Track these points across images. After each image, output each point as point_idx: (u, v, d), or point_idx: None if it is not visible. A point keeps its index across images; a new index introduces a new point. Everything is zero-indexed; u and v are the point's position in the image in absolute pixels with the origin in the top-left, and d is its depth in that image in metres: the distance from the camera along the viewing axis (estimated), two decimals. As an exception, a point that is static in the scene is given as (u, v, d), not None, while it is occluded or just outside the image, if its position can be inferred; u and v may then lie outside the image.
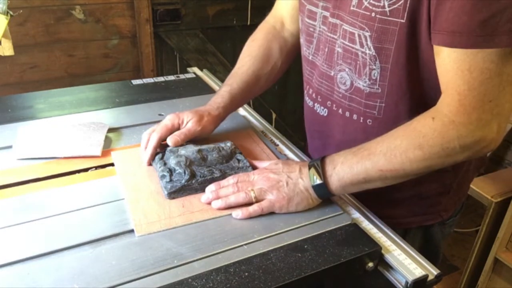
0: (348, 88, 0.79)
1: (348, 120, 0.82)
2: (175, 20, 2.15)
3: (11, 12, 1.30)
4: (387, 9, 0.68)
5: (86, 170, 0.83)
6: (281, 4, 1.01)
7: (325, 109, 0.87)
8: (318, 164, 0.72)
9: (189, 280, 0.59)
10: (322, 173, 0.71)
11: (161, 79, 1.27)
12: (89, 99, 1.12)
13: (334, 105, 0.84)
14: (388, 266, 0.68)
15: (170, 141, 0.80)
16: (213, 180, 0.78)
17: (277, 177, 0.74)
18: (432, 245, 0.92)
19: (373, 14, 0.70)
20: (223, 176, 0.79)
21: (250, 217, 0.71)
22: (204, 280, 0.59)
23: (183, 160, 0.79)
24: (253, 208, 0.71)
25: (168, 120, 0.84)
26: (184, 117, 0.84)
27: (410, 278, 0.64)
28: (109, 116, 1.03)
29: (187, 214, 0.72)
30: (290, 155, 0.93)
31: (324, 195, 0.73)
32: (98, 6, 1.94)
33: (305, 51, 0.90)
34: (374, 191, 0.74)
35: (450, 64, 0.64)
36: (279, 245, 0.66)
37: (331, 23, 0.79)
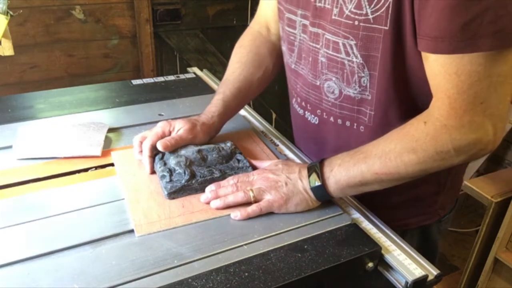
0: (337, 97, 0.78)
1: (340, 127, 0.81)
2: (175, 20, 2.15)
3: (11, 12, 1.31)
4: (370, 16, 0.67)
5: (86, 170, 0.83)
6: (264, 10, 0.99)
7: (316, 118, 0.85)
8: (317, 166, 0.72)
9: (189, 280, 0.59)
10: (321, 175, 0.71)
11: (161, 79, 1.27)
12: (89, 99, 1.12)
13: (325, 114, 0.83)
14: (388, 266, 0.68)
15: (159, 145, 0.79)
16: (213, 180, 0.78)
17: (276, 177, 0.74)
18: (430, 244, 0.92)
19: (356, 22, 0.69)
20: (223, 176, 0.79)
21: (249, 218, 0.71)
22: (204, 280, 0.59)
23: (183, 160, 0.79)
24: (252, 209, 0.71)
25: (160, 128, 0.83)
26: (176, 124, 0.83)
27: (410, 278, 0.64)
28: (109, 116, 1.03)
29: (187, 214, 0.72)
30: (290, 155, 0.93)
31: (323, 197, 0.73)
32: (98, 6, 1.94)
33: (288, 59, 0.89)
34: (371, 196, 0.74)
35: (438, 68, 0.63)
36: (279, 245, 0.66)
37: (312, 33, 0.78)
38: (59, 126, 0.95)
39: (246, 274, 0.61)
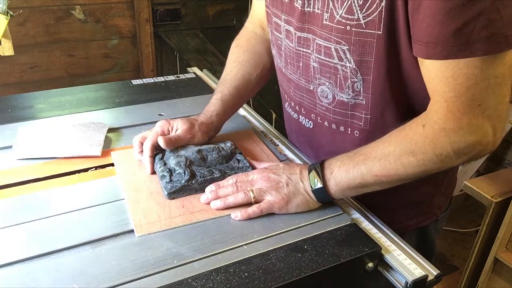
0: (330, 102, 0.78)
1: (335, 132, 0.81)
2: (175, 20, 2.15)
3: (11, 12, 1.31)
4: (362, 21, 0.66)
5: (86, 170, 0.83)
6: (257, 9, 0.99)
7: (310, 122, 0.85)
8: (318, 167, 0.72)
9: (189, 280, 0.59)
10: (322, 177, 0.71)
11: (161, 79, 1.27)
12: (89, 99, 1.12)
13: (319, 118, 0.82)
14: (388, 267, 0.68)
15: (161, 140, 0.79)
16: (213, 180, 0.78)
17: (277, 177, 0.74)
18: (427, 244, 0.92)
19: (348, 28, 0.68)
20: (223, 176, 0.79)
21: (249, 218, 0.71)
22: (204, 280, 0.59)
23: (183, 160, 0.79)
24: (252, 210, 0.71)
25: (159, 127, 0.83)
26: (175, 124, 0.83)
27: (410, 279, 0.64)
28: (109, 116, 1.03)
29: (187, 214, 0.72)
30: (290, 155, 0.93)
31: (324, 199, 0.73)
32: (98, 6, 1.94)
33: (278, 63, 0.89)
34: (370, 199, 0.74)
35: (434, 71, 0.63)
36: (279, 245, 0.66)
37: (302, 38, 0.77)
38: (59, 126, 0.95)
39: (246, 274, 0.61)
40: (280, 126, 1.06)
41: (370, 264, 0.67)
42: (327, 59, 0.74)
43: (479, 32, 0.57)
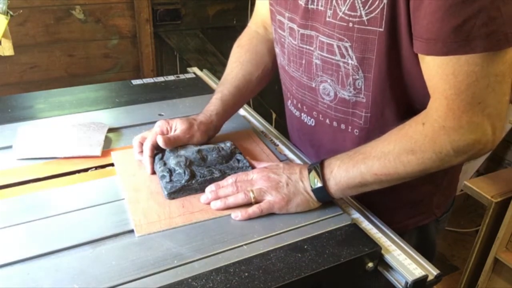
0: (332, 99, 0.78)
1: (336, 130, 0.81)
2: (175, 20, 2.15)
3: (11, 12, 1.31)
4: (364, 18, 0.67)
5: (86, 170, 0.83)
6: (260, 9, 0.99)
7: (312, 119, 0.85)
8: (318, 167, 0.72)
9: (189, 280, 0.59)
10: (322, 177, 0.71)
11: (161, 79, 1.27)
12: (89, 99, 1.12)
13: (321, 115, 0.83)
14: (388, 267, 0.68)
15: (160, 140, 0.79)
16: (213, 180, 0.78)
17: (277, 177, 0.74)
18: (427, 243, 0.92)
19: (350, 24, 0.68)
20: (223, 176, 0.79)
21: (250, 219, 0.71)
22: (204, 280, 0.59)
23: (183, 160, 0.79)
24: (252, 210, 0.71)
25: (158, 127, 0.83)
26: (174, 124, 0.84)
27: (410, 279, 0.64)
28: (109, 116, 1.03)
29: (187, 214, 0.72)
30: (290, 155, 0.93)
31: (324, 199, 0.73)
32: (98, 6, 1.94)
33: (281, 61, 0.89)
34: (369, 198, 0.74)
35: (435, 69, 0.63)
36: (279, 245, 0.66)
37: (305, 35, 0.77)
38: (59, 126, 0.95)
39: (246, 274, 0.61)
40: (280, 126, 1.06)
41: (370, 264, 0.67)
42: (330, 56, 0.74)
43: (479, 29, 0.57)
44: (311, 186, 0.72)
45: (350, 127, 0.79)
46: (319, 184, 0.71)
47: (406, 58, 0.68)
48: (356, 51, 0.70)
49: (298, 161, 0.90)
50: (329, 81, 0.77)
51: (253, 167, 0.82)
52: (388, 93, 0.72)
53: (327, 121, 0.82)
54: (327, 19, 0.71)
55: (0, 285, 0.57)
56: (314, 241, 0.68)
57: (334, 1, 0.70)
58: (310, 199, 0.73)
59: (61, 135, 0.91)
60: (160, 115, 1.04)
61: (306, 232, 0.69)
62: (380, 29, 0.66)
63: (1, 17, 1.28)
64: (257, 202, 0.73)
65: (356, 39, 0.69)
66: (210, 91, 1.19)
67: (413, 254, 0.68)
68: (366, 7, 0.66)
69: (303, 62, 0.80)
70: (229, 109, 0.91)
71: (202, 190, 0.77)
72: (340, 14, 0.69)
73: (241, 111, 1.10)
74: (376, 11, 0.65)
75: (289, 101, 0.92)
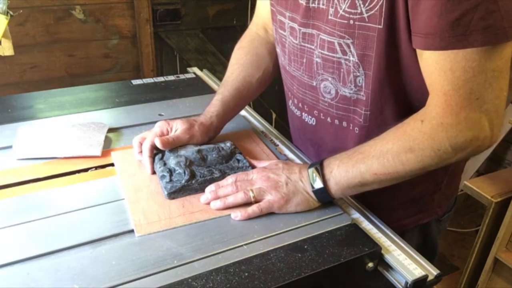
0: (333, 97, 0.78)
1: (338, 128, 0.81)
2: (175, 20, 2.15)
3: (11, 12, 1.31)
4: (365, 15, 0.67)
5: (86, 170, 0.83)
6: (261, 11, 1.00)
7: (313, 118, 0.85)
8: (318, 168, 0.72)
9: (189, 280, 0.59)
10: (322, 177, 0.71)
11: (161, 79, 1.27)
12: (89, 99, 1.12)
13: (322, 114, 0.83)
14: (388, 266, 0.68)
15: (158, 142, 0.79)
16: (212, 180, 0.78)
17: (277, 177, 0.74)
18: (429, 243, 0.92)
19: (351, 22, 0.69)
20: (223, 176, 0.79)
21: (249, 218, 0.71)
22: (204, 280, 0.59)
23: (183, 160, 0.79)
24: (252, 209, 0.71)
25: (158, 128, 0.83)
26: (174, 124, 0.84)
27: (410, 279, 0.64)
28: (109, 116, 1.03)
29: (187, 214, 0.72)
30: (290, 155, 0.93)
31: (324, 199, 0.73)
32: (98, 6, 1.95)
33: (282, 61, 0.89)
34: (369, 197, 0.74)
35: (433, 65, 0.63)
36: (279, 245, 0.66)
37: (306, 34, 0.77)
38: (59, 126, 0.95)
39: (246, 274, 0.61)
40: (280, 126, 1.06)
41: (370, 264, 0.67)
42: (331, 54, 0.74)
43: (476, 23, 0.57)
44: (312, 186, 0.72)
45: (351, 125, 0.79)
46: (320, 185, 0.71)
47: (405, 56, 0.68)
48: (357, 48, 0.70)
49: (298, 161, 0.90)
50: (330, 79, 0.77)
51: (253, 167, 0.82)
52: (387, 91, 0.73)
53: (328, 119, 0.82)
54: (329, 17, 0.72)
55: (0, 285, 0.57)
56: (314, 241, 0.68)
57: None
58: (310, 199, 0.73)
59: (61, 135, 0.91)
60: (160, 115, 1.04)
61: (306, 232, 0.69)
62: (379, 26, 0.66)
63: (1, 17, 1.28)
64: (256, 201, 0.73)
65: (358, 35, 0.69)
66: (210, 91, 1.19)
67: (413, 254, 0.68)
68: (366, 4, 0.66)
69: (304, 61, 0.80)
70: (229, 111, 0.91)
71: (202, 190, 0.77)
72: (341, 11, 0.69)
73: (241, 111, 1.09)
74: (376, 8, 0.66)
75: (290, 101, 0.92)
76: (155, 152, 0.82)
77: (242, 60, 0.96)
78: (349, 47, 0.71)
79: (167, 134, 0.83)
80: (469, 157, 0.68)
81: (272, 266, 0.62)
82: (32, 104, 1.08)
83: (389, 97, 0.73)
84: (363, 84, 0.73)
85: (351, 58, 0.72)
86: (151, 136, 0.82)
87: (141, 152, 0.83)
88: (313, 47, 0.77)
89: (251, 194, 0.73)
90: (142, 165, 0.82)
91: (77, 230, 0.67)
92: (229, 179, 0.76)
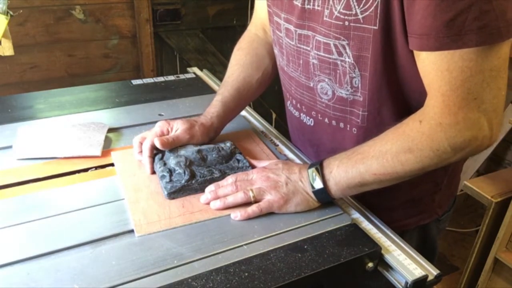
0: (330, 98, 0.78)
1: (335, 129, 0.82)
2: (175, 20, 2.15)
3: (11, 12, 1.31)
4: (360, 16, 0.67)
5: (86, 170, 0.83)
6: (259, 12, 1.00)
7: (311, 119, 0.86)
8: (318, 168, 0.72)
9: (189, 280, 0.59)
10: (322, 177, 0.71)
11: (161, 79, 1.27)
12: (89, 99, 1.12)
13: (319, 115, 0.83)
14: (388, 267, 0.68)
15: (157, 142, 0.79)
16: (212, 180, 0.78)
17: (277, 177, 0.74)
18: (429, 242, 0.92)
19: (346, 23, 0.69)
20: (223, 176, 0.79)
21: (249, 218, 0.71)
22: (204, 280, 0.59)
23: (182, 160, 0.79)
24: (252, 209, 0.71)
25: (158, 127, 0.83)
26: (174, 124, 0.84)
27: (410, 279, 0.64)
28: (109, 116, 1.03)
29: (187, 215, 0.72)
30: (290, 155, 0.93)
31: (324, 199, 0.73)
32: (98, 6, 1.95)
33: (280, 61, 0.89)
34: (369, 198, 0.74)
35: (430, 65, 0.63)
36: (279, 245, 0.66)
37: (302, 35, 0.77)
38: (59, 126, 0.95)
39: (246, 274, 0.61)
40: (280, 126, 1.06)
41: (370, 264, 0.67)
42: (326, 55, 0.74)
43: (471, 23, 0.57)
44: (312, 187, 0.72)
45: (348, 126, 0.79)
46: (320, 185, 0.71)
47: (401, 56, 0.68)
48: (353, 49, 0.70)
49: (298, 161, 0.90)
50: (326, 80, 0.77)
51: (253, 167, 0.82)
52: (385, 92, 0.73)
53: (326, 120, 0.82)
54: (325, 18, 0.72)
55: (0, 285, 0.57)
56: (314, 241, 0.68)
57: (330, 1, 0.70)
58: (309, 199, 0.73)
59: (61, 135, 0.91)
60: (160, 115, 1.04)
61: (306, 232, 0.69)
62: (375, 27, 0.66)
63: (1, 17, 1.28)
64: (256, 201, 0.73)
65: (353, 37, 0.69)
66: (210, 91, 1.19)
67: (413, 254, 0.68)
68: (361, 6, 0.66)
69: (301, 62, 0.80)
70: (229, 112, 0.91)
71: (202, 190, 0.77)
72: (336, 13, 0.69)
73: (241, 111, 1.09)
74: (371, 9, 0.65)
75: (289, 102, 0.92)
76: (155, 152, 0.82)
77: (242, 61, 0.96)
78: (344, 48, 0.71)
79: (168, 134, 0.83)
80: (469, 157, 0.68)
81: (272, 266, 0.62)
82: (32, 104, 1.08)
83: (387, 97, 0.73)
84: (360, 85, 0.73)
85: (347, 59, 0.72)
86: (151, 136, 0.82)
87: (141, 152, 0.83)
88: (309, 48, 0.77)
89: (251, 194, 0.73)
90: (142, 165, 0.82)
91: (77, 230, 0.67)
92: (229, 179, 0.76)
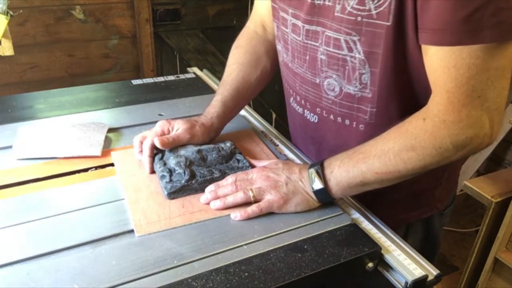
0: (337, 94, 0.78)
1: (340, 126, 0.81)
2: (175, 20, 2.15)
3: (11, 12, 1.31)
4: (373, 12, 0.67)
5: (86, 170, 0.83)
6: (259, 8, 0.99)
7: (315, 116, 0.85)
8: (319, 168, 0.72)
9: (189, 280, 0.59)
10: (323, 177, 0.71)
11: (161, 79, 1.27)
12: (89, 99, 1.12)
13: (324, 112, 0.83)
14: (388, 267, 0.68)
15: (157, 141, 0.79)
16: (212, 180, 0.78)
17: (277, 177, 0.74)
18: (432, 236, 0.93)
19: (358, 18, 0.69)
20: (223, 176, 0.79)
21: (249, 218, 0.71)
22: (204, 280, 0.59)
23: (182, 160, 0.79)
24: (252, 209, 0.71)
25: (159, 127, 0.83)
26: (175, 124, 0.84)
27: (410, 279, 0.64)
28: (109, 116, 1.03)
29: (187, 214, 0.72)
30: (290, 155, 0.93)
31: (325, 199, 0.73)
32: (98, 6, 1.94)
33: (284, 58, 0.89)
34: (370, 194, 0.74)
35: (437, 62, 0.63)
36: (279, 245, 0.66)
37: (310, 31, 0.77)
38: (59, 126, 0.95)
39: (246, 274, 0.61)
40: (280, 126, 1.06)
41: (370, 264, 0.67)
42: (336, 50, 0.74)
43: (488, 20, 0.58)
44: (312, 187, 0.72)
45: (354, 123, 0.79)
46: (320, 185, 0.71)
47: (412, 53, 0.68)
48: (364, 45, 0.70)
49: (298, 161, 0.90)
50: (334, 76, 0.77)
51: (253, 167, 0.82)
52: (394, 88, 0.73)
53: (331, 117, 0.82)
54: (336, 14, 0.72)
55: (0, 285, 0.57)
56: (314, 241, 0.68)
57: None
58: (309, 199, 0.73)
59: (61, 135, 0.91)
60: (160, 115, 1.04)
61: (306, 232, 0.69)
62: (388, 23, 0.66)
63: (1, 17, 1.28)
64: (256, 201, 0.73)
65: (365, 32, 0.69)
66: (210, 91, 1.19)
67: (413, 254, 0.68)
68: (375, 1, 0.66)
69: (307, 58, 0.80)
70: (229, 111, 0.91)
71: (202, 190, 0.77)
72: (348, 8, 0.70)
73: (241, 111, 1.09)
74: (385, 5, 0.66)
75: (292, 98, 0.92)
76: (155, 152, 0.82)
77: (240, 59, 0.96)
78: (355, 44, 0.71)
79: (168, 134, 0.83)
80: (469, 155, 0.68)
81: (272, 266, 0.62)
82: (32, 104, 1.08)
83: (396, 94, 0.73)
84: (369, 82, 0.73)
85: (357, 55, 0.72)
86: (152, 135, 0.82)
87: (141, 151, 0.83)
88: (317, 44, 0.77)
89: (251, 194, 0.73)
90: (142, 165, 0.82)
91: (77, 230, 0.67)
92: (229, 179, 0.76)
